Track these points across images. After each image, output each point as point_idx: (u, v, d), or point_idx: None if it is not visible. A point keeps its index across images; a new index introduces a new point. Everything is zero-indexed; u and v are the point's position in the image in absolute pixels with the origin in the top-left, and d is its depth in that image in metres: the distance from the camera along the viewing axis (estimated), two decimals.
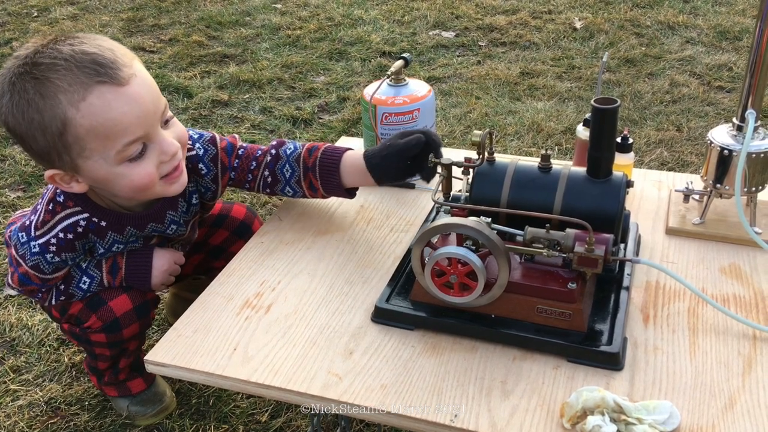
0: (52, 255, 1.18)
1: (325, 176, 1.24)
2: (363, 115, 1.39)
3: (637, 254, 1.15)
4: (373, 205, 1.35)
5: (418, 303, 1.06)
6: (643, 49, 3.11)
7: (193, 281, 1.51)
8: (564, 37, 3.31)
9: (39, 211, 1.19)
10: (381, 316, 1.06)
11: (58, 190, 1.17)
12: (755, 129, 1.12)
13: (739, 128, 1.14)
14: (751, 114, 1.11)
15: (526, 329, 1.00)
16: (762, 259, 1.13)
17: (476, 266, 0.97)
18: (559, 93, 2.79)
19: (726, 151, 1.13)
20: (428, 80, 2.98)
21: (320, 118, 2.72)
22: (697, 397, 0.90)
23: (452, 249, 0.98)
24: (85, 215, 1.17)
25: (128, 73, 1.03)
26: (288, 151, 1.28)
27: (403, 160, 1.19)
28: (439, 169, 1.14)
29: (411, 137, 1.18)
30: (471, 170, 1.11)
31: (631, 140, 1.28)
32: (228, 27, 3.60)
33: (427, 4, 3.81)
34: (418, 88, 1.39)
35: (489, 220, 1.02)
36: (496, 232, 1.00)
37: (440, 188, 1.13)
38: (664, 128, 2.45)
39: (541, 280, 1.01)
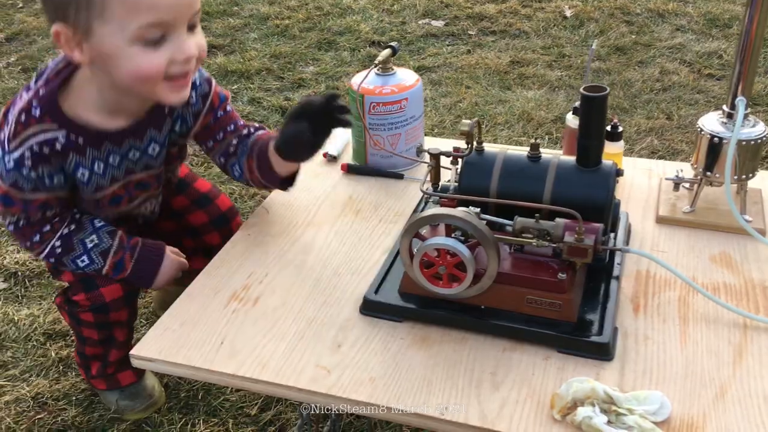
0: (28, 169, 1.11)
1: (260, 158, 1.23)
2: (350, 105, 1.38)
3: (628, 243, 1.14)
4: (361, 196, 1.33)
5: (407, 295, 1.05)
6: (633, 37, 3.09)
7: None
8: (554, 25, 3.29)
9: (10, 123, 1.11)
10: (369, 309, 1.05)
11: (33, 102, 1.10)
12: (745, 116, 1.11)
13: (729, 116, 1.13)
14: (741, 101, 1.10)
15: (516, 320, 0.99)
16: (752, 247, 1.12)
17: (465, 257, 0.96)
18: (549, 82, 2.77)
19: (716, 139, 1.12)
20: (418, 70, 2.96)
21: None
22: (687, 387, 0.89)
23: (441, 240, 0.97)
24: (63, 132, 1.11)
25: None
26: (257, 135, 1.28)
27: (302, 138, 1.14)
28: (427, 159, 1.13)
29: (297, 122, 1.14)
30: (459, 160, 1.10)
31: (620, 128, 1.27)
32: (215, 17, 3.56)
33: None
34: (406, 77, 1.38)
35: (478, 210, 1.01)
36: (485, 222, 0.99)
37: (429, 178, 1.12)
38: (655, 116, 2.45)
39: (531, 271, 1.00)
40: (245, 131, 1.28)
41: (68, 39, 1.03)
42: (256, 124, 1.31)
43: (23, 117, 1.10)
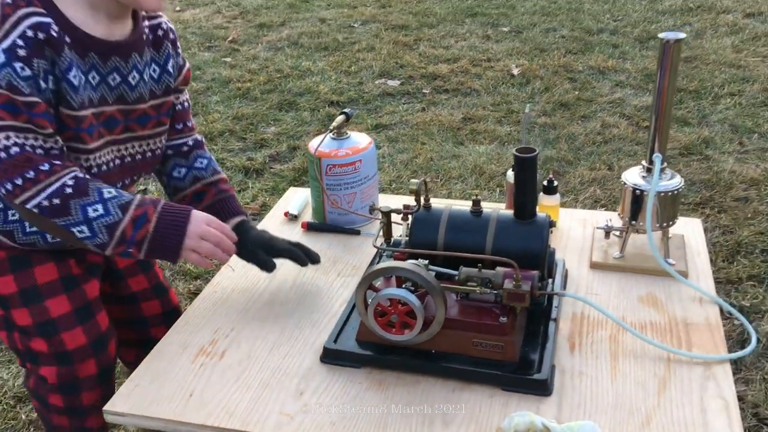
0: (22, 66, 0.95)
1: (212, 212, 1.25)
2: (309, 167, 1.48)
3: (565, 288, 1.25)
4: (320, 251, 1.42)
5: (364, 342, 1.13)
6: (576, 93, 3.29)
7: None
8: (503, 83, 3.48)
9: None
10: (329, 357, 1.12)
11: None
12: (662, 170, 1.24)
13: (649, 170, 1.26)
14: (657, 157, 1.23)
15: (464, 362, 1.08)
16: (675, 288, 1.24)
17: (414, 305, 1.05)
18: (499, 137, 2.93)
19: (638, 191, 1.25)
20: (375, 127, 3.10)
21: (271, 168, 2.80)
22: (617, 416, 0.99)
23: (392, 290, 1.06)
24: (49, 20, 0.98)
25: None
26: (200, 165, 1.32)
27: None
28: (380, 216, 1.23)
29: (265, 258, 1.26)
30: (409, 216, 1.20)
31: (556, 183, 1.39)
32: None
33: (373, 54, 3.96)
34: (359, 140, 1.48)
35: (426, 262, 1.10)
36: (434, 273, 1.09)
37: (381, 234, 1.22)
38: (597, 167, 2.61)
39: (476, 316, 1.09)
40: (200, 144, 1.33)
41: None
42: (200, 138, 1.35)
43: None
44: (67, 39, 1.00)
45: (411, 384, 1.07)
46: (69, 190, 1.01)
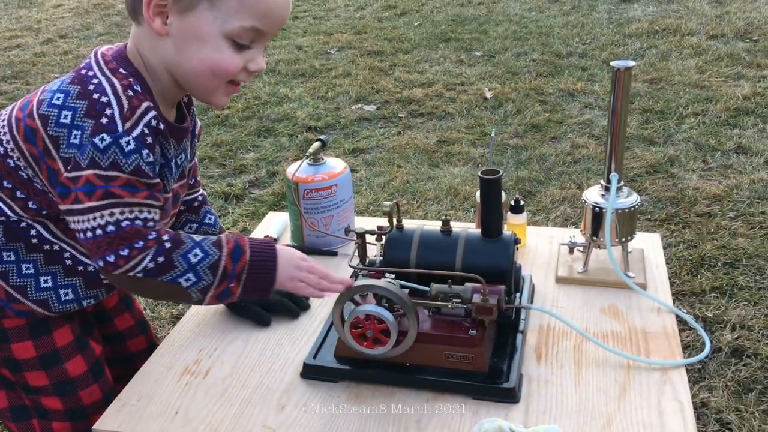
0: (148, 152, 1.01)
1: None
2: (287, 192, 1.54)
3: (532, 302, 1.32)
4: None
5: (342, 358, 1.19)
6: (547, 115, 3.40)
7: None
8: (476, 106, 3.59)
9: (116, 102, 1.01)
10: (309, 372, 1.18)
11: (130, 78, 1.04)
12: (618, 189, 1.32)
13: (607, 189, 1.34)
14: (613, 176, 1.31)
15: (437, 373, 1.14)
16: (635, 299, 1.31)
17: (388, 321, 1.11)
18: (473, 158, 3.02)
19: (597, 209, 1.33)
20: (352, 152, 3.17)
21: (251, 193, 2.86)
22: (580, 420, 1.05)
23: (367, 306, 1.12)
24: (157, 112, 1.06)
25: None
26: (209, 220, 1.39)
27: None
28: (355, 237, 1.29)
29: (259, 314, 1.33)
30: (383, 237, 1.26)
31: (522, 203, 1.47)
32: None
33: (349, 80, 4.05)
34: (335, 165, 1.55)
35: (397, 280, 1.17)
36: (407, 290, 1.15)
37: (356, 254, 1.28)
38: (567, 187, 2.70)
39: (447, 330, 1.15)
40: (206, 199, 1.41)
41: (158, 5, 1.00)
42: (204, 192, 1.43)
43: (130, 92, 1.03)
44: (165, 128, 1.09)
45: (387, 396, 1.13)
46: (168, 245, 1.04)
